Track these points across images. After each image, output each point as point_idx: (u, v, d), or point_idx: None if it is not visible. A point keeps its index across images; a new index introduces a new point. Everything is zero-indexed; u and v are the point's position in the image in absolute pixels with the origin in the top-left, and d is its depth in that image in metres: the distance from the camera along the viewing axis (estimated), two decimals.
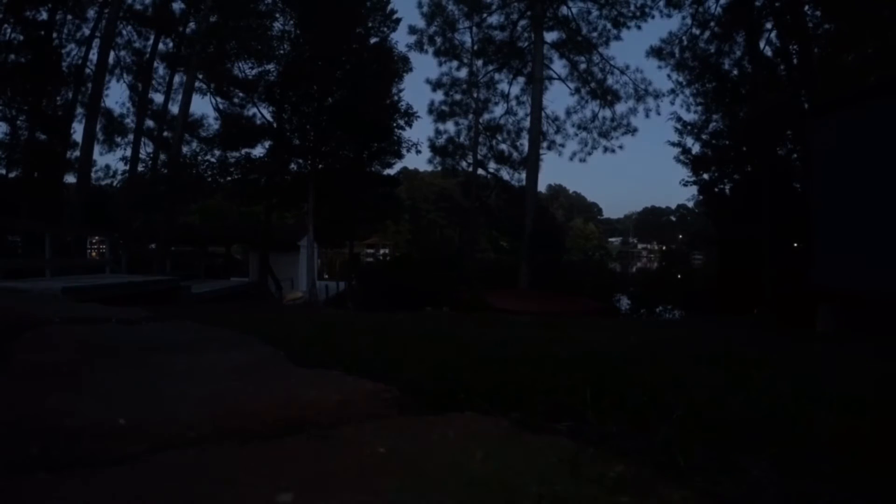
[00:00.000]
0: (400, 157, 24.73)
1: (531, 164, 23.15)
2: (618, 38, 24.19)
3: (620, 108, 36.04)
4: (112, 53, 22.87)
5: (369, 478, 1.42)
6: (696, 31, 21.60)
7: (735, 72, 20.51)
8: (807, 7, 17.57)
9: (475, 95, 27.10)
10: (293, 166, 22.56)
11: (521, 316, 9.27)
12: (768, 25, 19.03)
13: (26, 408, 1.91)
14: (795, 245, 17.03)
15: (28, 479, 1.35)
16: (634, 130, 24.82)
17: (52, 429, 1.68)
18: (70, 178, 22.99)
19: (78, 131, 22.50)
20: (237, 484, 1.38)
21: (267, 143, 22.12)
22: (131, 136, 25.82)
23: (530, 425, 1.78)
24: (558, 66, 52.18)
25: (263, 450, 1.59)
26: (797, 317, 9.57)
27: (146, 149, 26.25)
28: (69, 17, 22.16)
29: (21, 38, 20.38)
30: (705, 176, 20.70)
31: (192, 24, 24.39)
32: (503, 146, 27.46)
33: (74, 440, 1.61)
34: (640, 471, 1.45)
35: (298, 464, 1.50)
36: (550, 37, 24.68)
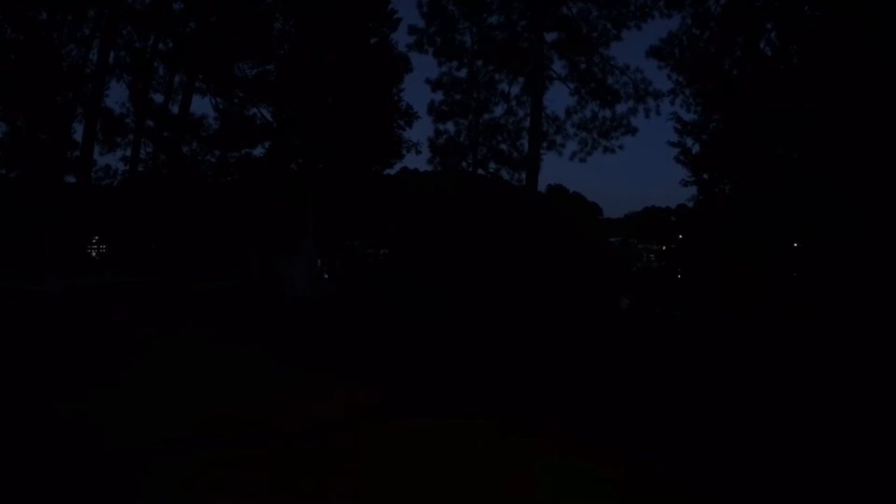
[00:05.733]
0: (400, 157, 24.75)
1: (531, 164, 23.10)
2: (618, 38, 24.05)
3: (620, 108, 35.85)
4: (112, 53, 22.85)
5: (365, 479, 1.42)
6: (696, 32, 21.50)
7: (735, 72, 20.42)
8: (807, 7, 17.52)
9: (475, 95, 27.03)
10: (293, 166, 22.58)
11: (521, 316, 9.28)
12: (768, 25, 18.96)
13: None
14: (796, 245, 17.03)
15: None
16: (634, 130, 24.71)
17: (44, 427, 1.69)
18: (70, 178, 22.95)
19: (78, 131, 22.50)
20: (237, 487, 1.38)
21: (267, 144, 22.15)
22: (131, 136, 25.78)
23: (519, 427, 1.79)
24: (558, 66, 52.03)
25: (262, 453, 1.59)
26: (800, 317, 9.57)
27: (146, 149, 26.21)
28: (69, 17, 22.13)
29: (21, 38, 20.36)
30: (705, 176, 20.66)
31: (191, 24, 24.36)
32: (503, 146, 27.35)
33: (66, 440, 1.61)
34: (629, 471, 1.45)
35: (296, 467, 1.51)
36: (550, 37, 24.59)
